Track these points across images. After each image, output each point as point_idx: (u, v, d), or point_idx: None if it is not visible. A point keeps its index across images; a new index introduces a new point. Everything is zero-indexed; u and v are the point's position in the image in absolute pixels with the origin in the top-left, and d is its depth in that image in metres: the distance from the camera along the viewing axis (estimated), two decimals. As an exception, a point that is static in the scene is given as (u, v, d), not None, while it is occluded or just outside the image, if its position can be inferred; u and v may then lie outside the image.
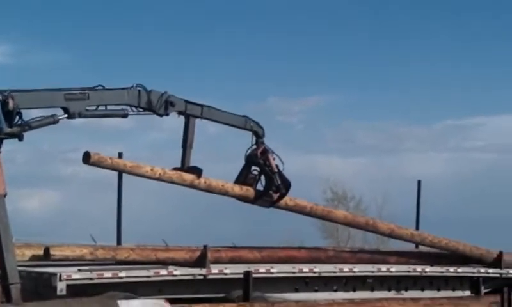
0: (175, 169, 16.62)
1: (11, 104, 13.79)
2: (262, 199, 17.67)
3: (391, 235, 20.75)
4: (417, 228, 23.18)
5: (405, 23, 71.43)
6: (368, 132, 69.94)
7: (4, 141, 13.74)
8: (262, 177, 17.59)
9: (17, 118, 13.87)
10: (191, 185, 16.81)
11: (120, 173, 18.90)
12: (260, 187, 17.62)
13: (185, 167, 16.68)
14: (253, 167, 17.60)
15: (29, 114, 14.22)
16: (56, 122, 14.51)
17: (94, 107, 15.09)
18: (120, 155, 18.86)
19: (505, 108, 78.93)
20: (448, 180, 56.53)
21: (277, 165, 17.46)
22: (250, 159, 17.57)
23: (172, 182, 16.61)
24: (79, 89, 14.85)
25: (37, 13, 66.80)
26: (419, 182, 23.52)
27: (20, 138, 13.94)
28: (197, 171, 16.74)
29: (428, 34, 71.27)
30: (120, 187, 19.28)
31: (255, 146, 17.52)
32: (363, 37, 70.90)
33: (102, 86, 15.15)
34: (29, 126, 13.97)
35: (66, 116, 14.66)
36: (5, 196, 13.42)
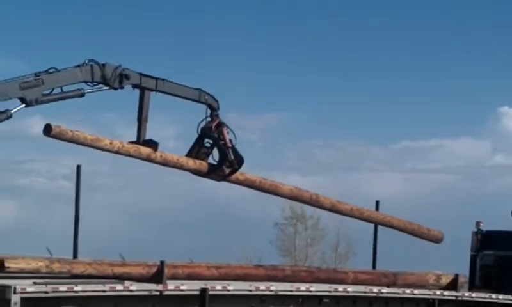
0: (132, 142, 16.60)
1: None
2: (215, 173, 17.66)
3: (332, 209, 21.14)
4: (375, 247, 23.43)
5: (365, 41, 72.33)
6: (326, 150, 70.75)
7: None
8: (214, 150, 17.58)
9: None
10: (148, 159, 16.83)
11: (78, 185, 18.81)
12: (211, 159, 17.62)
13: (141, 141, 16.65)
14: (206, 140, 17.58)
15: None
16: (9, 117, 14.41)
17: (50, 91, 15.04)
18: (79, 168, 18.85)
19: (461, 131, 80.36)
20: (405, 201, 57.11)
21: (230, 140, 17.49)
22: (204, 132, 17.52)
23: (130, 155, 16.59)
24: (32, 75, 14.77)
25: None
26: (377, 202, 23.59)
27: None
28: (153, 145, 16.72)
29: (386, 53, 72.27)
30: (78, 198, 19.14)
31: (209, 119, 17.51)
32: (322, 55, 71.67)
33: (54, 68, 15.08)
34: None
35: (23, 106, 14.58)
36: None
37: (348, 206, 20.91)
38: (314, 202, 20.65)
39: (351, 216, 21.45)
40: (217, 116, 17.54)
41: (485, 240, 24.97)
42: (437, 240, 22.48)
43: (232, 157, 17.47)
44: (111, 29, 73.97)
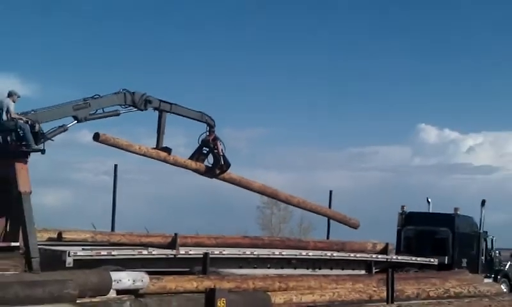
0: (153, 148, 16.77)
1: (37, 127, 13.70)
2: (209, 172, 17.89)
3: (286, 201, 21.62)
4: (328, 224, 23.42)
5: (315, 67, 72.65)
6: (298, 154, 70.62)
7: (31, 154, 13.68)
8: (210, 156, 17.85)
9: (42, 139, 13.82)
10: (164, 160, 17.04)
11: (115, 179, 18.86)
12: (206, 162, 17.88)
13: (159, 147, 16.80)
14: (204, 148, 17.79)
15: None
16: (65, 130, 14.42)
17: (94, 111, 15.04)
18: (115, 167, 18.90)
19: (391, 141, 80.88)
20: (352, 191, 57.04)
21: (222, 150, 17.69)
22: (203, 143, 17.76)
23: (152, 157, 16.82)
24: (82, 100, 14.78)
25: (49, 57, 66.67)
26: (330, 192, 23.66)
27: (43, 152, 13.82)
28: (168, 150, 16.94)
29: (342, 84, 72.63)
30: (115, 189, 19.17)
31: (207, 133, 17.65)
32: (298, 82, 71.99)
33: (98, 94, 15.12)
34: (45, 137, 13.86)
35: (75, 122, 14.61)
36: (30, 193, 13.32)
37: (296, 199, 21.12)
38: (274, 195, 21.09)
39: (298, 206, 21.71)
40: (213, 131, 17.67)
41: (407, 219, 24.85)
42: (355, 226, 22.60)
43: (222, 162, 17.75)
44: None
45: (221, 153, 17.60)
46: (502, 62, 74.39)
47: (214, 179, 18.22)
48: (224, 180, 18.31)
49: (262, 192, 20.79)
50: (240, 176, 18.95)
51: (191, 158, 17.67)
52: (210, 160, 17.89)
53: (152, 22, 70.77)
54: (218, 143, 17.57)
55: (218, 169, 17.73)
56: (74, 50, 67.80)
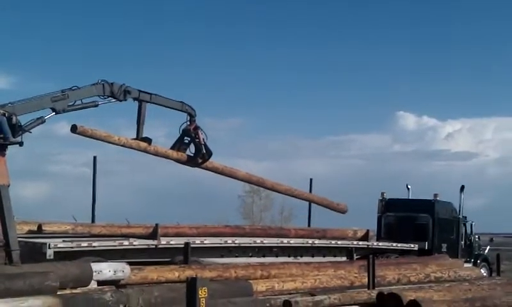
0: (133, 139, 16.49)
1: (14, 119, 13.55)
2: (191, 162, 17.68)
3: (272, 189, 21.43)
4: (309, 211, 23.49)
5: (307, 66, 72.86)
6: (274, 143, 70.98)
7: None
8: (191, 145, 17.61)
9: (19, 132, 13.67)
10: (145, 151, 16.72)
11: (95, 170, 18.76)
12: (188, 152, 17.62)
13: (139, 137, 16.54)
14: (185, 138, 17.55)
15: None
16: (43, 122, 14.20)
17: (73, 102, 14.83)
18: (95, 158, 18.78)
19: (370, 129, 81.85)
20: (331, 178, 57.47)
21: (203, 139, 17.51)
22: (184, 132, 17.50)
23: (132, 148, 16.49)
24: (60, 91, 14.57)
25: (34, 53, 66.37)
26: (311, 180, 23.71)
27: (21, 144, 13.66)
28: (148, 140, 16.67)
29: (320, 75, 72.94)
30: (94, 180, 19.07)
31: (188, 123, 17.43)
32: (273, 75, 72.13)
33: (76, 86, 14.88)
34: (23, 129, 13.69)
35: (53, 113, 14.38)
36: (9, 186, 13.21)
37: (283, 187, 21.01)
38: (260, 183, 20.86)
39: (285, 194, 21.60)
40: (194, 121, 17.46)
41: (387, 205, 25.06)
42: (343, 211, 22.65)
43: (204, 151, 17.52)
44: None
45: (203, 142, 17.45)
46: (478, 50, 75.21)
47: (196, 168, 18.11)
48: (207, 168, 18.17)
49: (247, 180, 20.69)
50: (223, 165, 18.82)
51: (172, 148, 17.45)
52: (192, 149, 17.73)
53: (127, 17, 70.74)
54: (199, 132, 17.42)
55: (200, 158, 17.59)
56: (55, 44, 67.59)
